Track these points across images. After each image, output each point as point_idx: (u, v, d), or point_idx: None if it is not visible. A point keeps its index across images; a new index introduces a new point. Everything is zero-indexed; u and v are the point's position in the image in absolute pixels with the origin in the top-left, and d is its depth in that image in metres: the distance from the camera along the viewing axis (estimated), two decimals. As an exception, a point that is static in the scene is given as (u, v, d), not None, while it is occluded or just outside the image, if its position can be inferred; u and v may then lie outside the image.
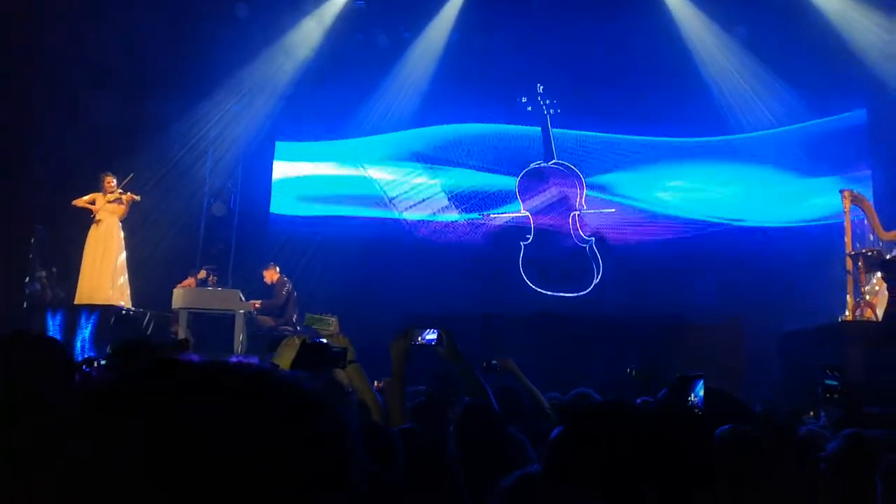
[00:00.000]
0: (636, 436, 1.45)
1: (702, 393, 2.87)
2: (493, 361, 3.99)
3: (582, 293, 10.55)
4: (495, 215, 11.25)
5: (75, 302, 8.27)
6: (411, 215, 11.38)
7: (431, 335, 2.93)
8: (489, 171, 11.35)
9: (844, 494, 1.55)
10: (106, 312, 7.96)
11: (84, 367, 4.53)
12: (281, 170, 11.53)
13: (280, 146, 11.55)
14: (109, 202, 8.42)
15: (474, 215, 11.31)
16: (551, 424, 3.26)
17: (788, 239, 10.31)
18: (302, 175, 11.54)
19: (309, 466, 0.56)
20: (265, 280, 9.26)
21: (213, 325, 8.78)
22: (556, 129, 11.08)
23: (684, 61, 10.41)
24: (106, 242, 8.39)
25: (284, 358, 2.56)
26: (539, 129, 11.12)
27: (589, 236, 10.85)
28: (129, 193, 8.49)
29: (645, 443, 1.44)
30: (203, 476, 0.52)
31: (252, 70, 10.67)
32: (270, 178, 11.46)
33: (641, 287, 10.15)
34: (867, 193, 9.36)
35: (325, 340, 2.86)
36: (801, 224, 10.47)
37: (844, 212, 7.92)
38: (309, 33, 10.83)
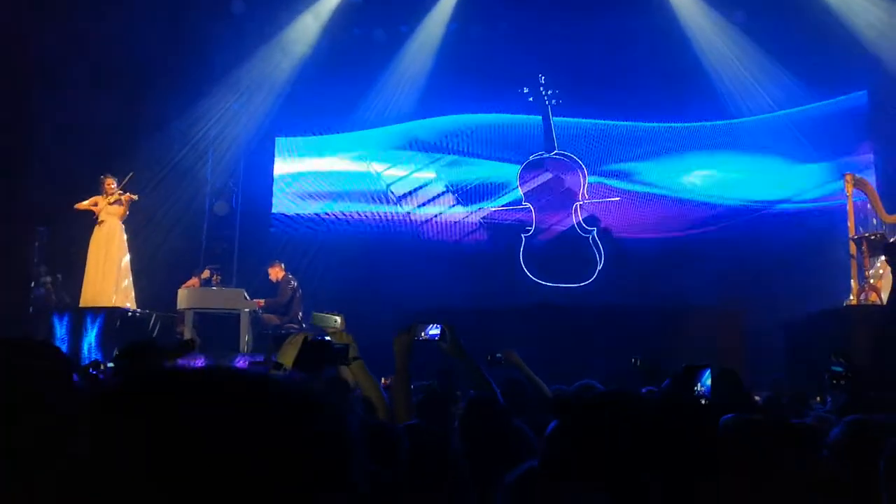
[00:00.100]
0: (638, 426, 1.44)
1: (709, 382, 2.87)
2: (498, 354, 4.00)
3: (584, 283, 10.54)
4: (496, 208, 11.24)
5: (80, 305, 8.30)
6: (412, 208, 11.38)
7: (434, 330, 2.93)
8: (490, 160, 11.32)
9: (848, 481, 1.56)
10: (111, 315, 7.99)
11: (91, 369, 4.56)
12: (282, 167, 11.54)
13: (280, 142, 11.55)
14: (110, 204, 8.44)
15: (476, 206, 11.29)
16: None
17: (791, 224, 10.27)
18: (303, 171, 11.56)
19: (309, 466, 0.56)
20: (270, 277, 9.28)
21: (218, 325, 8.80)
22: (556, 118, 11.04)
23: (683, 47, 10.35)
24: (108, 244, 8.41)
25: (288, 356, 2.56)
26: (540, 117, 11.09)
27: (591, 226, 10.84)
28: (127, 193, 8.50)
29: (648, 433, 1.43)
30: (203, 476, 0.52)
31: (250, 67, 10.67)
32: (272, 176, 11.48)
33: (643, 276, 10.14)
34: (870, 176, 9.32)
35: (328, 338, 2.86)
36: (803, 207, 10.42)
37: (847, 196, 7.89)
38: (306, 29, 10.82)
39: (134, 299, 8.70)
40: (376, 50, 10.97)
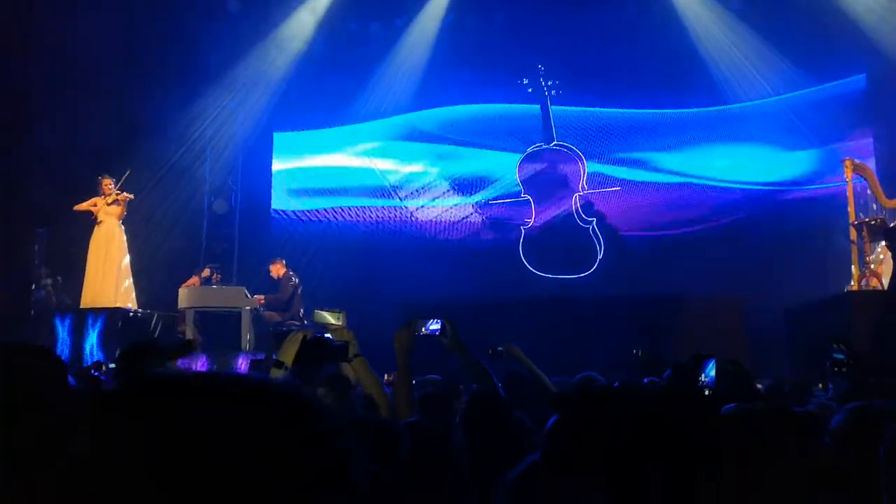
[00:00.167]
0: (639, 419, 1.44)
1: (713, 373, 2.87)
2: (499, 348, 3.99)
3: (584, 274, 10.53)
4: (496, 201, 11.22)
5: (81, 306, 8.31)
6: (412, 202, 11.37)
7: (435, 325, 2.93)
8: (489, 151, 11.30)
9: (850, 468, 1.56)
10: (113, 315, 8.00)
11: (93, 371, 4.56)
12: (280, 163, 11.53)
13: (278, 137, 11.53)
14: (108, 204, 8.44)
15: (475, 199, 11.27)
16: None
17: (790, 210, 10.25)
18: (302, 167, 11.55)
19: (306, 467, 0.56)
20: (271, 274, 9.28)
21: (219, 323, 8.82)
22: (555, 107, 11.00)
23: (679, 34, 10.32)
24: (108, 245, 8.42)
25: (288, 354, 2.58)
26: (538, 107, 11.06)
27: (590, 217, 10.83)
28: (123, 193, 8.50)
29: (649, 425, 1.43)
30: (200, 478, 0.52)
31: (246, 65, 10.66)
32: (270, 173, 11.47)
33: (643, 266, 10.14)
34: (869, 159, 9.29)
35: (328, 335, 2.87)
36: (802, 193, 10.39)
37: (847, 181, 7.87)
38: (301, 25, 10.81)
39: (135, 300, 8.70)
40: (372, 44, 10.96)
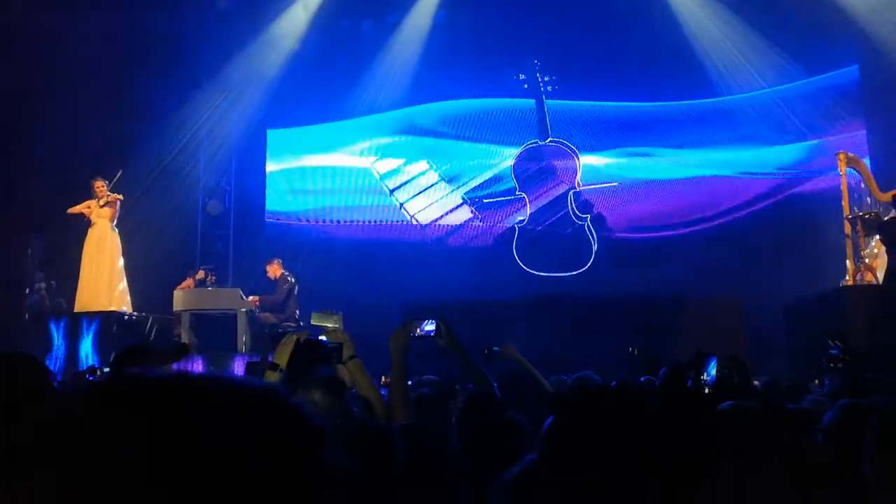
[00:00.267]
0: (636, 418, 1.45)
1: (714, 372, 2.87)
2: (495, 348, 3.98)
3: (578, 272, 10.52)
4: (491, 199, 11.21)
5: (75, 310, 8.28)
6: (406, 200, 11.36)
7: (430, 326, 2.93)
8: (483, 145, 11.29)
9: (842, 464, 1.56)
10: (108, 319, 7.96)
11: (87, 375, 4.55)
12: (275, 164, 11.51)
13: (272, 135, 11.50)
14: (101, 207, 8.41)
15: (470, 196, 11.27)
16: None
17: (784, 204, 10.26)
18: (296, 167, 11.53)
19: (283, 470, 0.56)
20: (268, 275, 9.27)
21: (215, 325, 8.79)
22: (549, 101, 10.99)
23: (672, 27, 10.32)
24: (100, 247, 8.38)
25: (282, 356, 2.57)
26: (533, 101, 11.05)
27: (584, 213, 10.83)
28: (112, 194, 8.47)
29: (645, 424, 1.44)
30: (173, 479, 0.52)
31: (239, 64, 10.63)
32: (265, 174, 11.45)
33: (638, 264, 10.14)
34: (862, 151, 9.30)
35: (323, 337, 2.86)
36: (795, 185, 10.39)
37: (840, 174, 7.88)
38: (293, 23, 10.80)
39: (130, 302, 8.67)
40: (365, 41, 10.94)
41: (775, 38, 10.08)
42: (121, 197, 8.49)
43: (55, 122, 9.17)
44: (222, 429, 0.55)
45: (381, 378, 4.04)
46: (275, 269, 9.23)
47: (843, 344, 3.18)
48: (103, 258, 8.39)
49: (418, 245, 11.02)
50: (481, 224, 11.20)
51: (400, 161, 11.47)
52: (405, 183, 11.40)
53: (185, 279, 9.37)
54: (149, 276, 9.19)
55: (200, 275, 9.50)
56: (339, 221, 11.36)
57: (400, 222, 11.34)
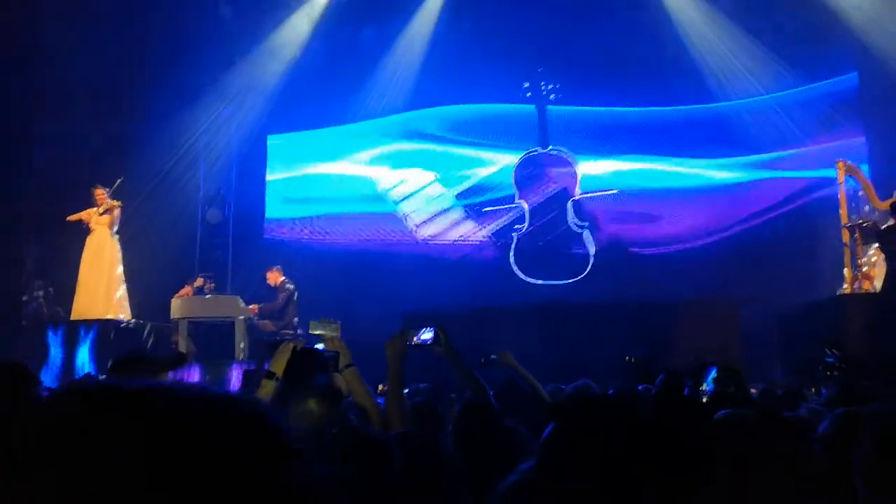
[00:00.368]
0: (633, 426, 1.45)
1: (713, 382, 2.88)
2: (493, 356, 3.97)
3: (575, 280, 10.51)
4: (490, 207, 11.22)
5: (72, 317, 8.26)
6: (406, 208, 11.36)
7: (427, 334, 2.92)
8: (485, 150, 11.30)
9: (837, 474, 1.56)
10: (105, 326, 7.95)
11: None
12: (275, 173, 11.52)
13: (272, 140, 11.50)
14: (100, 214, 8.42)
15: (470, 204, 11.28)
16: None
17: (782, 212, 10.27)
18: (296, 176, 11.55)
19: (230, 474, 0.56)
20: (268, 282, 9.25)
21: (213, 333, 8.78)
22: (551, 106, 11.01)
23: (672, 35, 10.36)
24: (98, 255, 8.38)
25: (279, 364, 2.57)
26: (533, 107, 11.08)
27: (583, 221, 10.84)
28: (111, 201, 8.47)
29: (642, 432, 1.44)
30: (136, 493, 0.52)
31: (240, 72, 10.66)
32: (265, 182, 11.46)
33: (635, 271, 10.15)
34: (861, 159, 9.32)
35: (319, 346, 2.86)
36: (795, 193, 10.40)
37: (839, 183, 7.90)
38: (295, 31, 10.85)
39: (128, 310, 8.66)
40: (367, 48, 10.97)
41: (773, 45, 10.12)
42: (118, 203, 8.49)
43: (55, 128, 9.18)
44: (184, 438, 0.55)
45: (377, 386, 4.04)
46: (275, 276, 9.22)
47: (839, 352, 3.19)
48: (101, 265, 8.38)
49: (417, 253, 11.02)
50: (480, 232, 11.21)
51: (400, 169, 11.48)
52: (404, 190, 11.41)
53: (183, 287, 9.36)
54: (147, 284, 9.18)
55: (199, 282, 9.49)
56: (338, 229, 11.35)
57: (399, 230, 11.34)
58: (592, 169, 11.07)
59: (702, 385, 3.07)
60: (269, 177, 11.49)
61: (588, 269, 10.51)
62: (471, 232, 11.24)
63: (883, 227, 7.35)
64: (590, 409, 1.49)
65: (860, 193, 8.11)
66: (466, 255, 11.06)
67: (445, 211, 11.32)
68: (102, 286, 8.36)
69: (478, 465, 2.30)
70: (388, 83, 11.09)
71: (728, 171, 10.79)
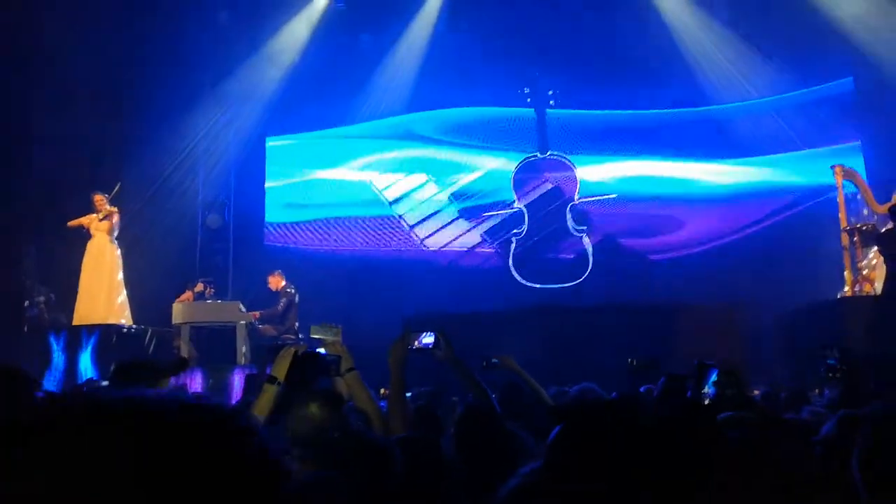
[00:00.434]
0: (633, 429, 1.45)
1: (714, 385, 2.88)
2: (494, 359, 3.98)
3: (575, 283, 10.52)
4: (489, 213, 11.23)
5: (74, 323, 8.27)
6: (406, 212, 11.37)
7: (428, 338, 2.93)
8: (485, 154, 11.32)
9: (839, 478, 1.56)
10: (107, 332, 7.95)
11: (85, 389, 4.54)
12: (274, 180, 11.54)
13: (271, 142, 11.51)
14: (100, 220, 8.44)
15: (469, 207, 11.29)
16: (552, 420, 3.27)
17: (782, 217, 10.28)
18: (295, 182, 11.57)
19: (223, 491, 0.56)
20: (270, 286, 9.25)
21: (215, 338, 8.78)
22: (550, 110, 11.04)
23: (668, 40, 10.38)
24: (99, 260, 8.39)
25: (280, 369, 2.57)
26: (532, 110, 11.09)
27: (582, 225, 10.85)
28: (109, 207, 8.49)
29: (643, 436, 1.44)
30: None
31: (238, 77, 10.68)
32: (264, 187, 11.48)
33: (635, 274, 10.15)
34: (858, 163, 9.34)
35: (322, 350, 2.86)
36: (793, 197, 10.41)
37: (837, 187, 7.92)
38: (292, 38, 10.87)
39: (129, 315, 8.66)
40: (365, 53, 11.01)
41: (769, 50, 10.16)
42: (115, 209, 8.50)
43: (55, 128, 9.19)
44: (160, 451, 0.54)
45: (379, 390, 4.04)
46: (277, 281, 9.22)
47: (840, 354, 3.19)
48: (102, 271, 8.39)
49: (417, 257, 11.03)
50: (479, 236, 11.22)
51: (399, 173, 11.50)
52: (403, 195, 11.43)
53: (184, 292, 9.37)
54: (148, 289, 9.19)
55: (199, 287, 9.49)
56: (338, 234, 11.37)
57: (399, 234, 11.35)
58: (592, 173, 11.09)
59: (703, 388, 3.06)
60: (269, 183, 11.50)
61: (587, 273, 10.52)
62: (470, 236, 11.25)
63: (882, 230, 7.36)
64: (595, 411, 1.50)
65: (858, 197, 8.13)
66: (466, 258, 11.08)
67: (444, 215, 11.33)
68: (104, 291, 8.37)
69: (478, 470, 2.30)
70: (387, 87, 11.12)
71: (726, 176, 10.80)
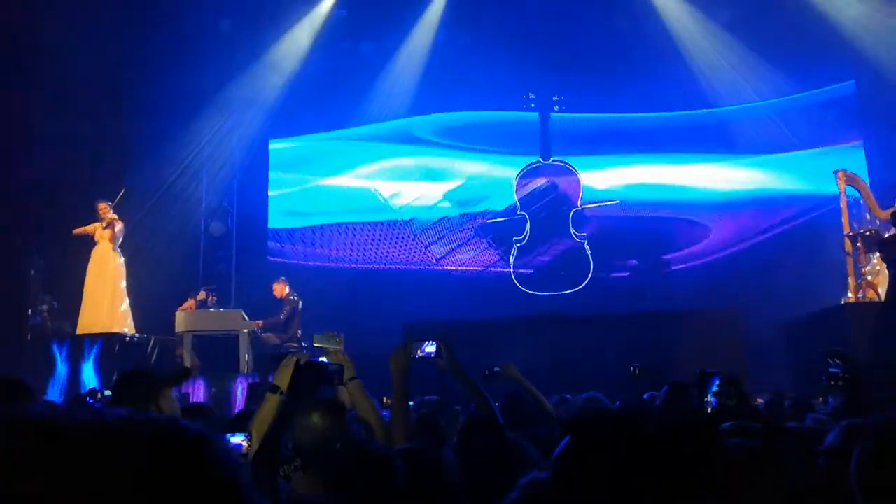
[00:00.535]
0: (636, 439, 1.45)
1: (715, 395, 2.86)
2: (496, 368, 3.97)
3: (576, 290, 10.50)
4: (492, 220, 11.23)
5: (77, 331, 8.28)
6: (409, 220, 11.38)
7: (430, 347, 2.92)
8: (487, 160, 11.33)
9: (843, 487, 1.56)
10: (109, 340, 7.96)
11: (88, 398, 4.53)
12: (277, 189, 11.56)
13: (273, 146, 11.53)
14: (104, 228, 8.46)
15: (471, 214, 11.29)
16: (552, 428, 3.26)
17: (784, 221, 10.26)
18: (298, 190, 11.59)
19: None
20: (274, 294, 9.24)
21: (218, 346, 8.77)
22: (554, 114, 11.05)
23: (669, 44, 10.40)
24: (102, 268, 8.40)
25: (282, 377, 2.57)
26: (536, 115, 11.11)
27: (583, 232, 10.84)
28: (111, 214, 8.50)
29: (650, 446, 1.44)
30: None
31: (241, 85, 10.72)
32: (267, 194, 11.50)
33: (637, 280, 10.13)
34: (860, 167, 9.32)
35: (324, 359, 2.86)
36: (795, 203, 10.40)
37: (840, 192, 7.90)
38: (295, 44, 10.91)
39: (132, 324, 8.67)
40: (367, 60, 11.04)
41: (770, 54, 10.16)
42: (118, 218, 8.52)
43: (54, 133, 9.21)
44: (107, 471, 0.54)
45: (382, 399, 4.03)
46: (281, 288, 9.20)
47: (842, 361, 3.18)
48: (105, 279, 8.41)
49: (419, 265, 11.02)
50: (481, 242, 11.22)
51: (400, 180, 11.52)
52: (405, 201, 11.44)
53: (186, 300, 9.37)
54: (151, 298, 9.19)
55: (202, 295, 9.49)
56: (340, 241, 11.37)
57: (401, 242, 11.35)
58: (594, 178, 11.09)
59: (706, 396, 3.05)
60: (272, 192, 11.52)
61: (588, 280, 10.51)
62: (472, 243, 11.24)
63: (886, 235, 7.34)
64: (600, 423, 1.49)
65: (861, 202, 8.11)
66: (468, 266, 11.07)
67: (446, 222, 11.34)
68: (107, 300, 8.38)
69: (480, 479, 2.29)
70: (390, 93, 11.15)
71: (730, 182, 10.79)
